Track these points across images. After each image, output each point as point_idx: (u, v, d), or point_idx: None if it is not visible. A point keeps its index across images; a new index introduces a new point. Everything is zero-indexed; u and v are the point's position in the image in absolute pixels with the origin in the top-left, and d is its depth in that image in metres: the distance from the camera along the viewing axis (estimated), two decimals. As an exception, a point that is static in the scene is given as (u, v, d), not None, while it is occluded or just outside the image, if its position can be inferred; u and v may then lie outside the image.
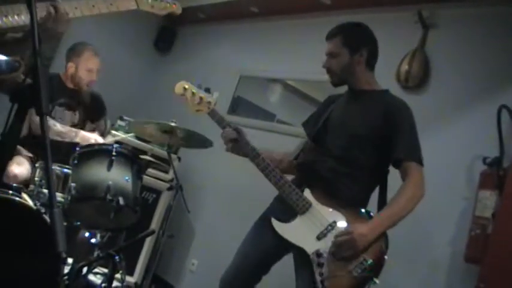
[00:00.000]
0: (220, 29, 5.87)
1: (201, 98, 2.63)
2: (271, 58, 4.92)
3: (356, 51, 2.55)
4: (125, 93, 5.94)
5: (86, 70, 3.66)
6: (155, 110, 5.93)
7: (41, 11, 1.71)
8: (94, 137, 3.56)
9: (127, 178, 3.11)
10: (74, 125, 3.66)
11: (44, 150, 1.36)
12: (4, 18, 1.59)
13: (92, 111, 3.81)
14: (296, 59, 4.60)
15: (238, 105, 5.15)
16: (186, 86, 2.64)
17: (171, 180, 4.49)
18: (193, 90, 2.63)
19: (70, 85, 3.71)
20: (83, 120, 3.73)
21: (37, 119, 1.69)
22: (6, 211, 2.33)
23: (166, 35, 6.45)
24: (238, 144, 2.59)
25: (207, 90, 2.67)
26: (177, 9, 2.16)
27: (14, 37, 1.72)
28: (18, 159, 3.22)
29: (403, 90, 3.53)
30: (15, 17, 1.61)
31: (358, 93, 2.62)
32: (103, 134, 3.85)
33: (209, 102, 2.63)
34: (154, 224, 4.72)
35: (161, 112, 5.25)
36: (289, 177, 2.59)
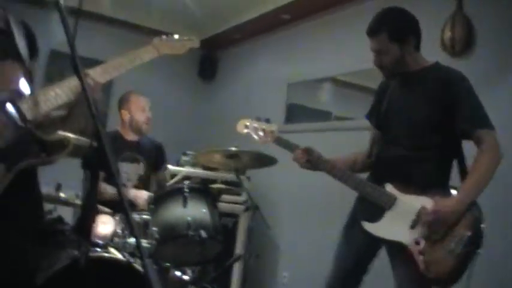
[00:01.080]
0: (258, 43, 5.92)
1: (263, 130, 2.71)
2: (314, 58, 4.90)
3: (404, 42, 2.49)
4: (179, 128, 6.06)
5: (139, 111, 3.76)
6: (213, 137, 6.02)
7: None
8: (141, 194, 3.61)
9: (204, 210, 3.15)
10: (140, 177, 3.74)
11: (122, 205, 1.40)
12: (47, 102, 1.64)
13: (154, 160, 3.88)
14: (339, 53, 4.57)
15: (292, 112, 5.15)
16: (247, 123, 2.74)
17: (246, 202, 4.51)
18: (255, 125, 2.73)
19: (130, 137, 3.81)
20: (148, 170, 3.81)
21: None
22: (100, 268, 2.41)
23: (208, 62, 6.56)
24: (312, 163, 2.62)
25: (267, 121, 2.75)
26: (195, 43, 2.18)
27: (60, 115, 1.77)
28: (101, 218, 3.29)
29: (452, 58, 3.45)
30: (56, 98, 1.66)
31: (411, 75, 2.56)
32: (162, 185, 3.89)
33: (272, 132, 2.71)
34: (239, 248, 4.76)
35: (220, 137, 5.31)
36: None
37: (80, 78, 1.49)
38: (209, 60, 6.52)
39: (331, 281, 2.72)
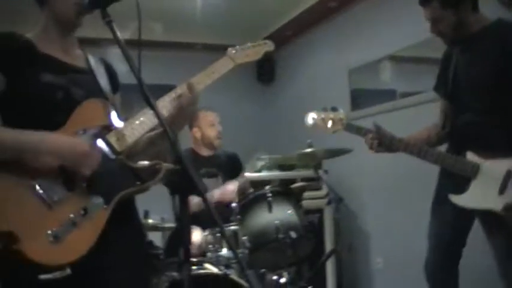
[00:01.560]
0: (311, 37, 5.89)
1: (332, 119, 2.68)
2: (370, 40, 4.82)
3: (458, 6, 2.42)
4: (246, 135, 6.07)
5: (209, 127, 3.81)
6: (282, 139, 6.04)
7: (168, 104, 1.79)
8: (228, 188, 3.65)
9: (289, 212, 3.16)
10: None
11: (214, 221, 1.43)
12: (134, 132, 1.69)
13: (231, 171, 3.92)
14: (394, 29, 4.47)
15: (357, 98, 5.08)
16: (315, 116, 2.71)
17: (327, 195, 4.50)
18: (322, 116, 2.70)
19: (204, 153, 3.87)
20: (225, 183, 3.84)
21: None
22: (201, 285, 2.46)
23: (265, 66, 6.56)
24: (385, 145, 2.58)
25: (334, 109, 2.72)
26: (269, 46, 2.17)
27: (147, 142, 1.82)
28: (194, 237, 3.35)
29: (509, 9, 3.27)
30: (142, 125, 1.71)
31: (472, 38, 2.48)
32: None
33: (341, 119, 2.68)
34: (328, 242, 4.74)
35: (289, 138, 5.32)
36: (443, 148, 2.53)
37: (152, 108, 1.53)
38: (266, 63, 6.53)
39: (431, 259, 2.70)
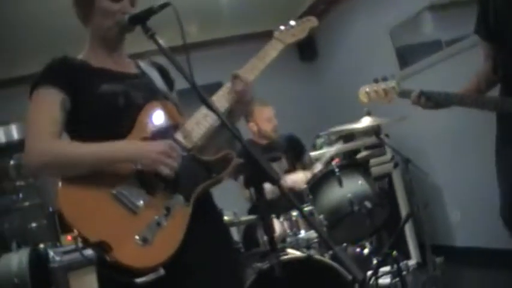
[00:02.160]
0: (344, 6, 5.82)
1: (384, 89, 2.63)
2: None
3: None
4: (298, 116, 6.01)
5: (265, 122, 3.82)
6: (335, 112, 5.99)
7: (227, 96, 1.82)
8: (298, 177, 3.66)
9: (360, 182, 3.17)
10: (286, 172, 3.79)
11: (288, 207, 1.45)
12: (200, 125, 1.72)
13: (293, 151, 3.92)
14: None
15: (404, 55, 4.98)
16: (367, 90, 2.66)
17: (393, 158, 4.46)
18: (374, 88, 2.65)
19: (263, 141, 3.89)
20: (291, 163, 3.85)
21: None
22: (288, 271, 2.48)
23: (306, 44, 6.45)
24: (434, 102, 2.52)
25: (385, 79, 2.66)
26: (313, 22, 2.14)
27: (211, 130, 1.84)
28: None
29: None
30: (206, 118, 1.74)
31: None
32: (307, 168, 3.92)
33: (393, 87, 2.62)
34: (402, 204, 4.70)
35: (343, 110, 5.26)
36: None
37: (211, 107, 1.56)
38: (306, 41, 6.45)
39: (504, 204, 2.61)
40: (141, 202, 1.54)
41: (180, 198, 1.59)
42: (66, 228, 4.16)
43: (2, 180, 5.67)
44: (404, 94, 2.63)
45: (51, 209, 4.37)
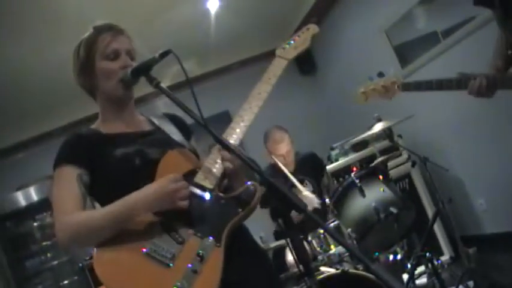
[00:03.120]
0: (336, 14, 5.89)
1: (384, 86, 2.50)
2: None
3: None
4: (306, 131, 6.03)
5: (281, 158, 3.76)
6: (343, 122, 5.99)
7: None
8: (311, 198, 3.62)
9: (381, 189, 3.14)
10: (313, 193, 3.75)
11: (321, 227, 1.43)
12: (218, 163, 1.72)
13: (315, 171, 3.88)
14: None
15: (403, 53, 4.98)
16: (362, 90, 2.54)
17: (409, 158, 4.44)
18: (371, 87, 2.52)
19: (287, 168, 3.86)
20: (315, 184, 3.79)
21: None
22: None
23: (304, 57, 6.44)
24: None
25: (381, 75, 2.53)
26: (314, 29, 2.10)
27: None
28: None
29: None
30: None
31: None
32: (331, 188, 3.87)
33: (394, 82, 2.48)
34: (426, 202, 4.68)
35: (351, 119, 5.26)
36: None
37: (226, 146, 1.60)
38: (303, 55, 6.48)
39: None
40: (173, 253, 1.54)
41: (211, 240, 1.58)
42: (99, 281, 4.18)
43: (29, 244, 5.72)
44: (408, 87, 2.48)
45: (80, 265, 4.39)
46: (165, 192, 1.57)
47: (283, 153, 3.77)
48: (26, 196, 5.57)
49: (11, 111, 5.36)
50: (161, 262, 1.52)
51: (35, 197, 5.58)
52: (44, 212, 5.73)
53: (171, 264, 1.52)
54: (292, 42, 2.06)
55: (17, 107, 5.33)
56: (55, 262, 5.63)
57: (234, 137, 1.74)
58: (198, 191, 1.65)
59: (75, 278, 5.39)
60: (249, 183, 1.71)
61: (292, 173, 3.71)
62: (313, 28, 2.11)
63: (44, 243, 5.68)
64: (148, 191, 1.59)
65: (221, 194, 1.69)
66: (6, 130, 5.80)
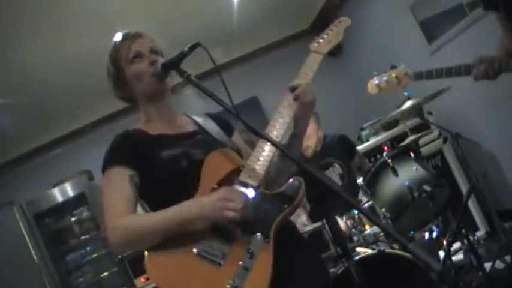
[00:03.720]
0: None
1: (397, 77, 2.56)
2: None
3: None
4: (337, 113, 6.02)
5: (307, 138, 3.78)
6: (368, 101, 5.92)
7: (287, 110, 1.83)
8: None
9: (414, 168, 3.13)
10: (341, 176, 3.74)
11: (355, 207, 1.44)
12: (261, 159, 1.74)
13: (345, 154, 3.90)
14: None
15: (429, 28, 4.89)
16: (375, 81, 2.60)
17: (440, 134, 4.40)
18: (384, 78, 2.58)
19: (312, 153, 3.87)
20: (345, 167, 3.80)
21: None
22: (366, 270, 2.47)
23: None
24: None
25: (393, 67, 2.60)
26: (346, 22, 2.12)
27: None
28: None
29: None
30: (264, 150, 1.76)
31: None
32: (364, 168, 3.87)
33: (406, 73, 2.56)
34: (460, 179, 4.63)
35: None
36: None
37: (266, 138, 1.64)
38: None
39: None
40: (224, 252, 1.56)
41: (259, 237, 1.60)
42: (138, 272, 4.28)
43: (68, 238, 5.87)
44: (421, 76, 2.55)
45: (119, 257, 4.47)
46: (220, 207, 1.58)
47: (311, 131, 3.79)
48: (63, 192, 5.70)
49: (42, 110, 5.47)
50: (213, 261, 1.55)
51: (71, 192, 5.71)
52: (81, 207, 5.87)
53: (222, 263, 1.55)
54: (325, 36, 2.06)
55: (47, 106, 5.43)
56: (94, 255, 5.77)
57: (274, 133, 1.77)
58: (244, 190, 1.67)
59: (115, 269, 5.51)
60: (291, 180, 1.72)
61: (322, 153, 3.72)
62: (345, 21, 2.13)
63: (83, 237, 5.82)
64: (203, 201, 1.62)
65: (266, 191, 1.71)
66: (37, 129, 5.92)
